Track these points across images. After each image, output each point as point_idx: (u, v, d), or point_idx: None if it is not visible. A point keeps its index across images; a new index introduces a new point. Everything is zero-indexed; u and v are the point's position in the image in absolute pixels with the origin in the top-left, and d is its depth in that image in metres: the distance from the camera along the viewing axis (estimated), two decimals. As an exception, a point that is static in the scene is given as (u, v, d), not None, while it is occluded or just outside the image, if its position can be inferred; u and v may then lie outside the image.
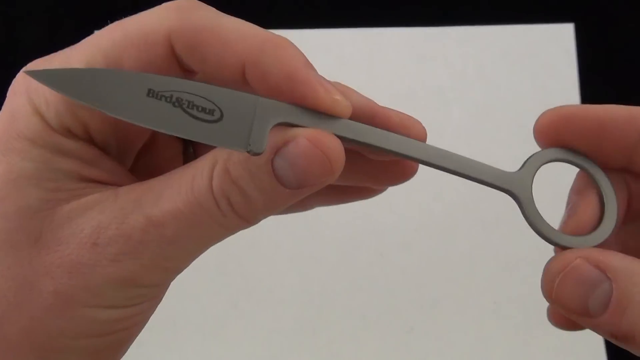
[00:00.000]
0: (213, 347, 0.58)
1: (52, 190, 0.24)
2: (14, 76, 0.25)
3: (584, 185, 0.26)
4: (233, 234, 0.25)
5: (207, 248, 0.25)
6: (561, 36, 0.64)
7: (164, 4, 0.24)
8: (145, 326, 0.27)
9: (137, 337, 0.27)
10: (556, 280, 0.24)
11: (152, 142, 0.28)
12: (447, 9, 0.66)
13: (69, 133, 0.24)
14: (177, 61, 0.24)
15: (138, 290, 0.24)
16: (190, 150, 0.29)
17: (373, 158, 0.27)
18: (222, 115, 0.23)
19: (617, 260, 0.23)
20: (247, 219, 0.24)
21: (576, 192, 0.27)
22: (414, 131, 0.25)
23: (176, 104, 0.22)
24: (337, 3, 0.66)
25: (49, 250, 0.23)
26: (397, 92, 0.63)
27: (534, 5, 0.66)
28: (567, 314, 0.24)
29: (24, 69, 0.25)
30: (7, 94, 0.25)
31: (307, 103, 0.23)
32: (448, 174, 0.25)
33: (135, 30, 0.24)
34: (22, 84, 0.24)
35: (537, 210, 0.25)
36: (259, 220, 0.24)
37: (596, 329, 0.24)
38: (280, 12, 0.65)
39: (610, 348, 0.58)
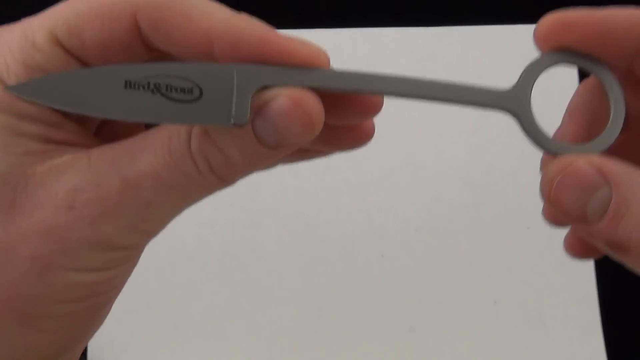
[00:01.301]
0: (213, 347, 0.58)
1: (21, 154, 0.23)
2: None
3: (583, 97, 0.26)
4: (210, 194, 0.25)
5: (184, 209, 0.25)
6: (561, 36, 0.64)
7: None
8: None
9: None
10: (555, 180, 0.23)
11: None
12: (447, 9, 0.66)
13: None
14: (141, 39, 0.24)
15: (116, 253, 0.24)
16: None
17: (336, 123, 0.26)
18: (201, 92, 0.22)
19: (619, 167, 0.23)
20: (226, 179, 0.24)
21: (574, 104, 0.26)
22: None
23: (155, 90, 0.22)
24: (337, 3, 0.66)
25: (24, 215, 0.23)
26: (397, 92, 0.63)
27: (534, 5, 0.66)
28: (563, 218, 0.23)
29: None
30: None
31: (284, 59, 0.23)
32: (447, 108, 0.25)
33: (100, 2, 0.24)
34: None
35: (538, 125, 0.24)
36: (236, 181, 0.24)
37: (592, 236, 0.23)
38: (280, 12, 0.65)
39: (610, 348, 0.58)
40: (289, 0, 0.66)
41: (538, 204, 0.25)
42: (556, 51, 0.25)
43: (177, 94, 0.22)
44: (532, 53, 0.26)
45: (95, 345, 0.56)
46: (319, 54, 0.23)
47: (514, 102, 0.25)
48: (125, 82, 0.22)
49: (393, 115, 0.67)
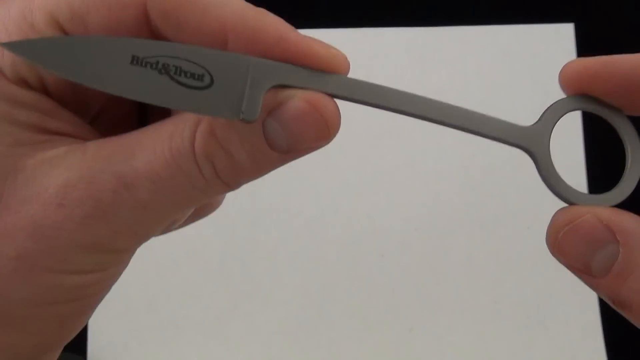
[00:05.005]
0: (213, 347, 0.58)
1: (11, 145, 0.22)
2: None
3: None
4: (211, 199, 0.23)
5: (183, 213, 0.24)
6: (561, 36, 0.64)
7: None
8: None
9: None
10: (561, 232, 0.22)
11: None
12: (447, 9, 0.66)
13: (24, 84, 0.22)
14: (149, 28, 0.22)
15: (106, 256, 0.23)
16: None
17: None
18: (212, 81, 0.21)
19: (630, 223, 0.21)
20: (230, 184, 0.22)
21: None
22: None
23: (162, 70, 0.21)
24: (337, 3, 0.66)
25: (10, 210, 0.21)
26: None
27: (534, 5, 0.66)
28: (567, 268, 0.23)
29: None
30: None
31: (304, 60, 0.21)
32: (459, 130, 0.24)
33: None
34: None
35: (554, 168, 0.23)
36: (240, 186, 0.23)
37: (595, 289, 0.22)
38: (280, 13, 0.65)
39: (611, 348, 0.58)
40: (289, 0, 0.66)
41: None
42: (580, 95, 0.23)
43: (186, 78, 0.21)
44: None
45: (95, 345, 0.56)
46: (340, 58, 0.22)
47: (532, 141, 0.24)
48: (133, 57, 0.21)
49: (393, 115, 0.67)
